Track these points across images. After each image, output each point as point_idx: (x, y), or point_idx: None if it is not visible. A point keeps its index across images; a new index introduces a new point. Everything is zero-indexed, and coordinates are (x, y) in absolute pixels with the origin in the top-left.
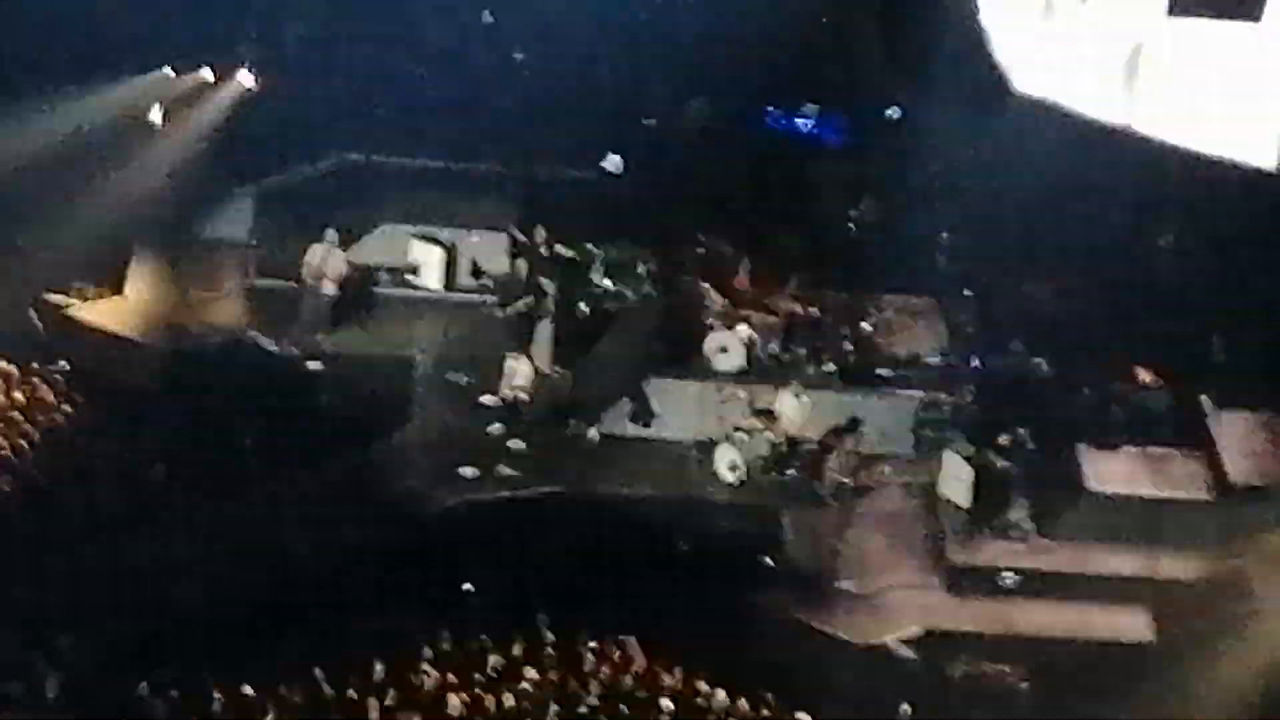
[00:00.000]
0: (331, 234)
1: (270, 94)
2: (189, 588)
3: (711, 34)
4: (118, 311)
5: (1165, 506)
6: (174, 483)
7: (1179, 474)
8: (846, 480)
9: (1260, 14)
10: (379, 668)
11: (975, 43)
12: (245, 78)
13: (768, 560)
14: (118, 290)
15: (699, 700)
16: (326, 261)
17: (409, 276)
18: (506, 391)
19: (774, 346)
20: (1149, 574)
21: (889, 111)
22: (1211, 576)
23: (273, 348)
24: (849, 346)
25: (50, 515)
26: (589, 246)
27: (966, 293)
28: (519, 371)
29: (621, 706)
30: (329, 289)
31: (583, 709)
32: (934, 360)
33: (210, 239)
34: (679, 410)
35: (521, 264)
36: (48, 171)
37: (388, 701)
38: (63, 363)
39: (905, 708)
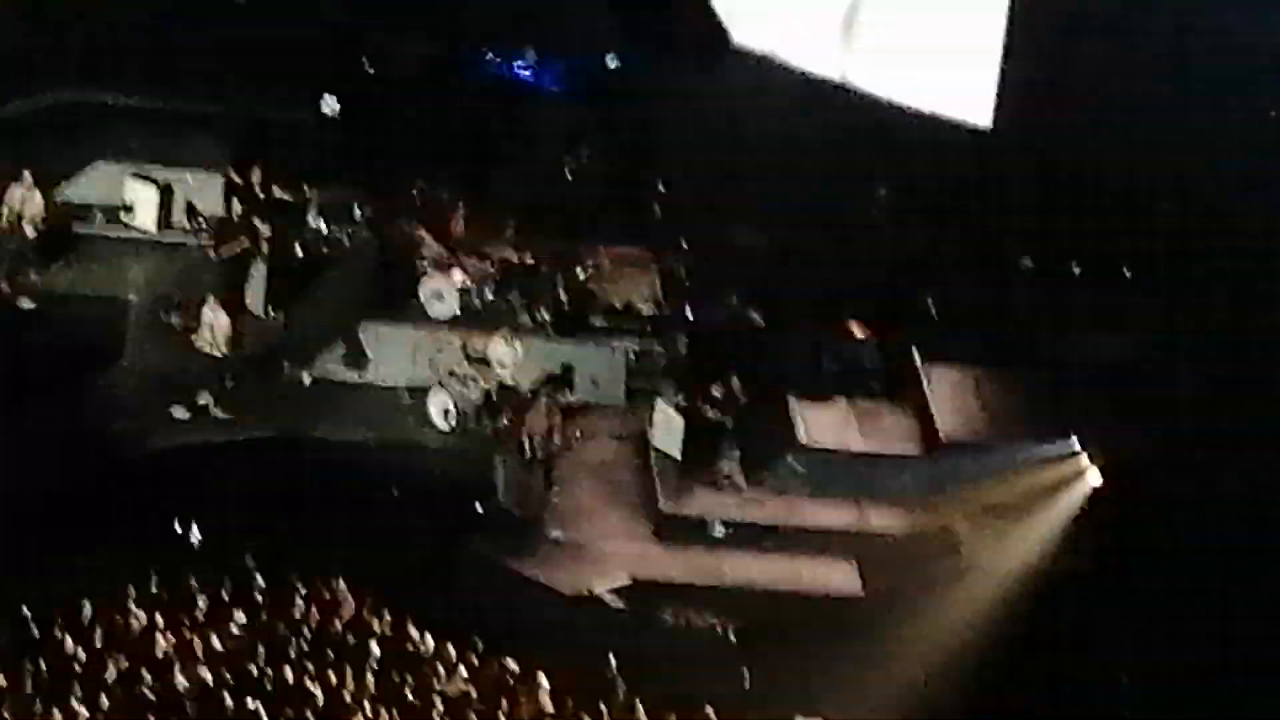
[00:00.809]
0: (27, 175)
1: None
2: None
3: None
4: None
5: (875, 460)
6: None
7: (889, 428)
8: (544, 439)
9: None
10: (86, 609)
11: None
12: None
13: (479, 507)
14: None
15: (408, 646)
16: (25, 202)
17: (123, 216)
18: (203, 342)
19: (489, 293)
20: (858, 527)
21: (608, 60)
22: (920, 531)
23: None
24: (564, 295)
25: None
26: (305, 188)
27: (681, 243)
28: (216, 322)
29: (330, 651)
30: (28, 230)
31: (291, 652)
32: (647, 310)
33: None
34: (393, 355)
35: (237, 205)
36: None
37: (95, 643)
38: None
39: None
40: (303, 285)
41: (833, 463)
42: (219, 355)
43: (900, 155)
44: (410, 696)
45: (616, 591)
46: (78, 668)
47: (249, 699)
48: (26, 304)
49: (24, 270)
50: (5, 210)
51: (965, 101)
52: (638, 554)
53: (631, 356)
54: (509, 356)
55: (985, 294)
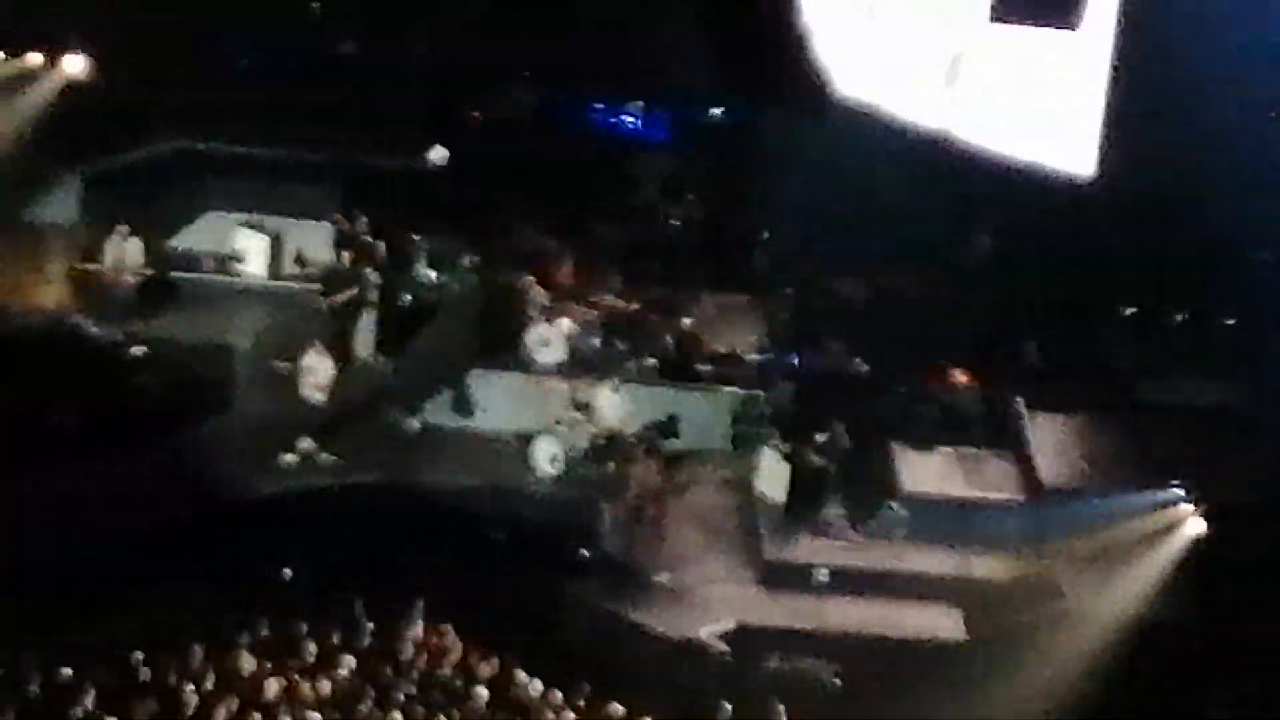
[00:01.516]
0: (123, 227)
1: (98, 79)
2: (9, 570)
3: (539, 27)
4: None
5: (977, 507)
6: None
7: (991, 475)
8: (649, 485)
9: (1079, 23)
10: (196, 653)
11: (798, 44)
12: (73, 62)
13: (584, 552)
14: None
15: (514, 689)
16: (127, 251)
17: (233, 265)
18: (306, 389)
19: (595, 341)
20: (961, 574)
21: (712, 110)
22: (1022, 577)
23: (95, 332)
24: (669, 342)
25: None
26: (413, 237)
27: (786, 291)
28: (320, 368)
29: (438, 695)
30: (128, 278)
31: (399, 696)
32: (752, 357)
33: (35, 222)
34: (500, 402)
35: (346, 254)
36: None
37: (205, 686)
38: None
39: (726, 707)
40: (410, 332)
41: (935, 509)
42: (322, 402)
43: (1002, 204)
44: None
45: (721, 636)
46: (188, 711)
47: None
48: (136, 351)
49: (132, 318)
50: (109, 258)
51: (1067, 150)
52: (742, 599)
53: (736, 403)
54: (615, 403)
55: (1087, 341)
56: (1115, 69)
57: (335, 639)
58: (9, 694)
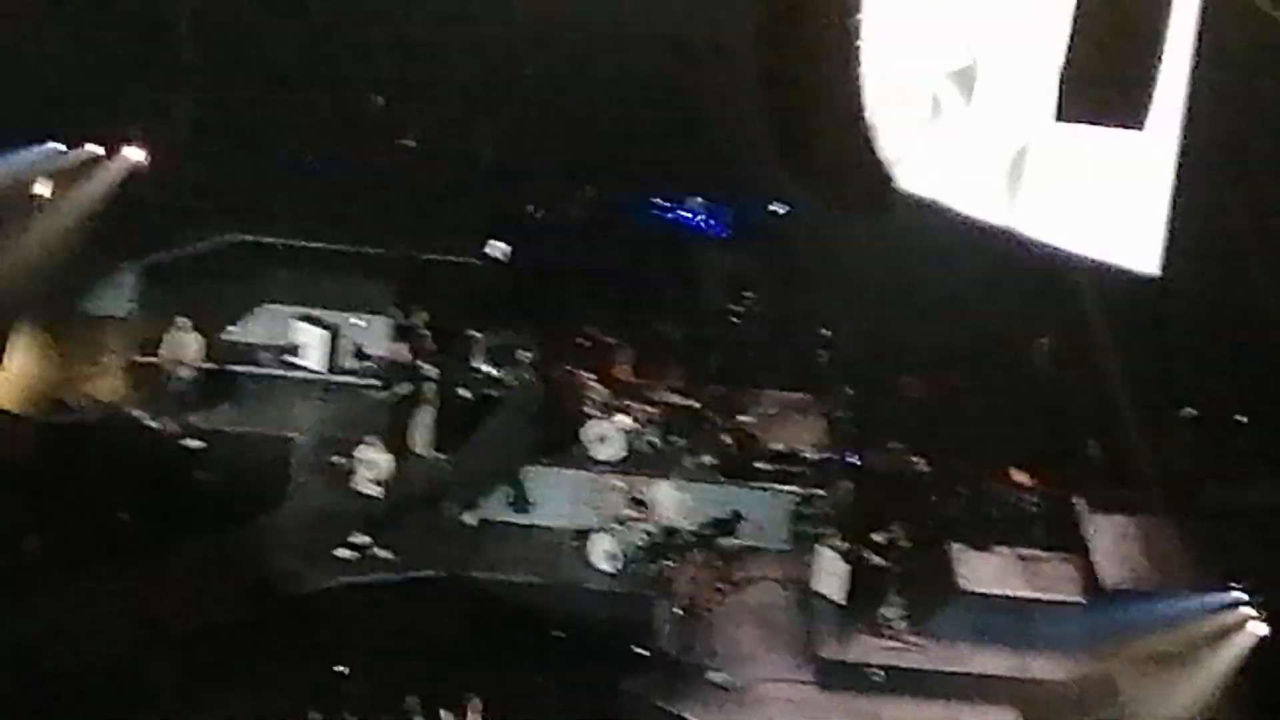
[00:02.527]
0: (183, 320)
1: (156, 170)
2: (60, 664)
3: (598, 122)
4: None
5: (1036, 607)
6: (49, 557)
7: (1051, 575)
8: (706, 583)
9: (1144, 124)
10: None
11: (862, 139)
12: (132, 153)
13: (640, 650)
14: None
15: None
16: (183, 344)
17: (290, 357)
18: (363, 484)
19: (653, 437)
20: (1019, 674)
21: (773, 205)
22: (1081, 679)
23: (152, 424)
24: (728, 439)
25: None
26: (471, 332)
27: (846, 389)
28: (376, 462)
29: None
30: (185, 372)
31: None
32: (811, 455)
33: (93, 314)
34: (557, 497)
35: (403, 348)
36: None
37: None
38: None
39: None
40: (468, 427)
41: (994, 609)
42: (379, 496)
43: (1065, 302)
44: None
45: None
46: None
47: None
48: (192, 444)
49: (189, 411)
50: (166, 351)
51: (1132, 248)
52: (798, 698)
53: (795, 501)
54: (673, 500)
55: (1148, 442)
56: (1180, 163)
57: None
58: None
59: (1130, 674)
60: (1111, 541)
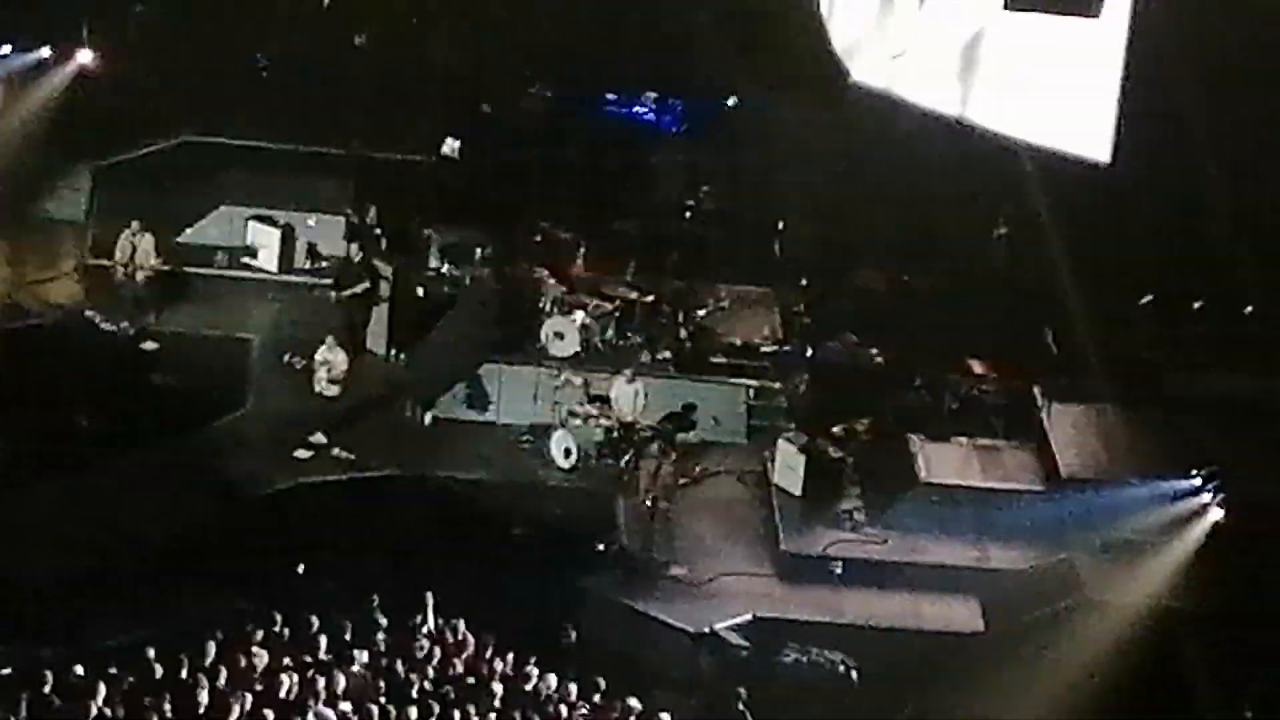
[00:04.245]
0: (135, 223)
1: (109, 73)
2: (21, 567)
3: (551, 18)
4: None
5: (996, 497)
6: (8, 462)
7: (1010, 465)
8: (664, 477)
9: (1099, 10)
10: (210, 648)
11: (813, 32)
12: (85, 55)
13: (600, 546)
14: None
15: (529, 686)
16: (137, 247)
17: (246, 258)
18: (320, 384)
19: (609, 333)
20: (979, 564)
21: (727, 100)
22: (1041, 568)
23: (109, 327)
24: (684, 334)
25: None
26: (425, 230)
27: (801, 282)
28: (333, 362)
29: (452, 690)
30: (139, 274)
31: (413, 693)
32: (768, 348)
33: (48, 218)
34: (514, 395)
35: (358, 247)
36: None
37: (219, 682)
38: None
39: (740, 691)
40: (424, 326)
41: (954, 500)
42: (334, 396)
43: (1019, 191)
44: None
45: (738, 628)
46: (202, 708)
47: None
48: (149, 346)
49: (144, 313)
50: (119, 254)
51: (1084, 136)
52: (760, 591)
53: (752, 395)
54: (630, 395)
55: (1105, 330)
56: (1129, 50)
57: (349, 635)
58: (23, 693)
59: (1090, 562)
60: (1070, 430)
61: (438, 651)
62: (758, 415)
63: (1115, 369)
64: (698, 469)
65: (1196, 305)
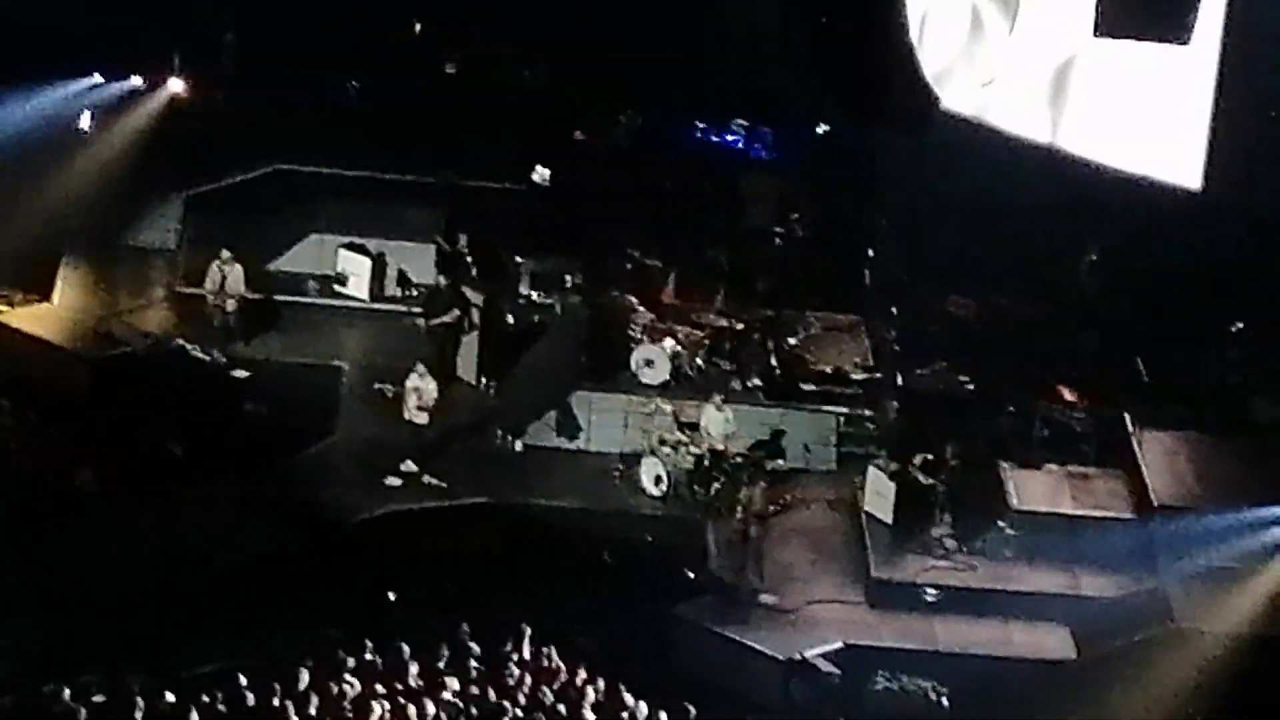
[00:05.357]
0: (225, 252)
1: (200, 102)
2: (115, 594)
3: (641, 46)
4: (46, 318)
5: (1087, 524)
6: (101, 489)
7: (1101, 493)
8: (755, 505)
9: (1189, 38)
10: (303, 676)
11: (903, 59)
12: (176, 84)
13: (690, 573)
14: (46, 297)
15: (621, 712)
16: (228, 275)
17: (337, 286)
18: (410, 411)
19: (699, 361)
20: (1070, 592)
21: (817, 127)
22: (1132, 595)
23: (199, 355)
24: (774, 362)
25: None
26: (516, 258)
27: (891, 309)
28: (423, 390)
29: (543, 717)
30: (230, 303)
31: None
32: (858, 376)
33: (140, 246)
34: (605, 422)
35: (448, 275)
36: None
37: (310, 710)
38: None
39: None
40: (514, 353)
41: (1045, 527)
42: (424, 423)
43: (1111, 218)
44: None
45: (829, 656)
46: None
47: None
48: (240, 374)
49: (234, 341)
50: (209, 283)
51: (1174, 162)
52: (850, 619)
53: (842, 422)
54: (720, 423)
55: (1197, 358)
56: (1222, 77)
57: (440, 662)
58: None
59: (1182, 590)
60: (1162, 457)
61: (529, 679)
62: (848, 443)
63: (1206, 396)
64: (788, 496)
65: None
